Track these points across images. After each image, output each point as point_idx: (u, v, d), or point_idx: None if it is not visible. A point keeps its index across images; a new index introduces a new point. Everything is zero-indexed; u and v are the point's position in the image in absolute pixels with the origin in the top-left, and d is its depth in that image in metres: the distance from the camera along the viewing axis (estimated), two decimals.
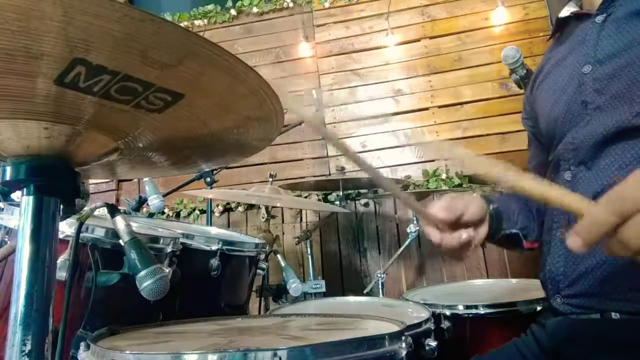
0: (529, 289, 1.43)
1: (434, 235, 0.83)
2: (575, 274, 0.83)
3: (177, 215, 2.87)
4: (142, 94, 0.49)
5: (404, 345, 0.70)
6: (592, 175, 0.83)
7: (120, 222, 0.87)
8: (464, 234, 0.82)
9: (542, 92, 0.99)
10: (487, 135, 2.62)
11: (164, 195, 1.84)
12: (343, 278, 2.66)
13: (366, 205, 2.71)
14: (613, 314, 0.79)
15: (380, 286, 1.97)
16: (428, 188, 2.57)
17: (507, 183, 0.59)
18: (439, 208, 0.83)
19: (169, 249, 1.07)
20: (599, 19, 0.87)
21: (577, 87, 0.87)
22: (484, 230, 0.88)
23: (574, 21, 0.97)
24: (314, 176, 2.77)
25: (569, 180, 0.88)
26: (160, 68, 0.45)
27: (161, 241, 1.06)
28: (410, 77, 2.83)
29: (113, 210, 0.87)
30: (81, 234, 0.89)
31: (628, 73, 0.78)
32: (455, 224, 0.83)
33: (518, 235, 0.97)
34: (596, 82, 0.84)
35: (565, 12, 0.99)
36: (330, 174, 2.72)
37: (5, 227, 0.98)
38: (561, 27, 1.02)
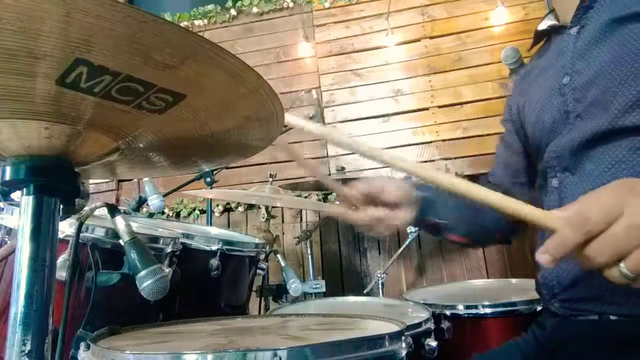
0: (529, 289, 1.43)
1: (342, 210, 0.89)
2: (569, 280, 0.85)
3: (177, 215, 2.87)
4: (143, 94, 0.49)
5: (404, 345, 0.70)
6: (578, 180, 0.85)
7: (120, 222, 0.87)
8: (374, 212, 0.87)
9: (528, 101, 1.01)
10: (487, 135, 2.62)
11: (164, 195, 1.84)
12: (343, 278, 2.66)
13: None
14: (611, 316, 0.79)
15: (380, 286, 1.97)
16: None
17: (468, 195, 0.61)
18: (358, 185, 0.89)
19: (169, 249, 1.07)
20: (574, 30, 0.90)
21: (559, 98, 0.89)
22: (403, 213, 0.91)
23: (552, 33, 1.00)
24: (314, 176, 2.76)
25: (556, 187, 0.89)
26: (162, 69, 0.45)
27: (161, 241, 1.06)
28: (410, 77, 2.82)
29: (113, 210, 0.88)
30: (81, 234, 0.89)
31: (602, 81, 0.81)
32: (373, 202, 0.88)
33: (442, 225, 0.99)
34: (575, 91, 0.86)
35: (543, 25, 1.02)
36: (330, 174, 2.72)
37: (5, 227, 0.98)
38: (541, 38, 1.05)
